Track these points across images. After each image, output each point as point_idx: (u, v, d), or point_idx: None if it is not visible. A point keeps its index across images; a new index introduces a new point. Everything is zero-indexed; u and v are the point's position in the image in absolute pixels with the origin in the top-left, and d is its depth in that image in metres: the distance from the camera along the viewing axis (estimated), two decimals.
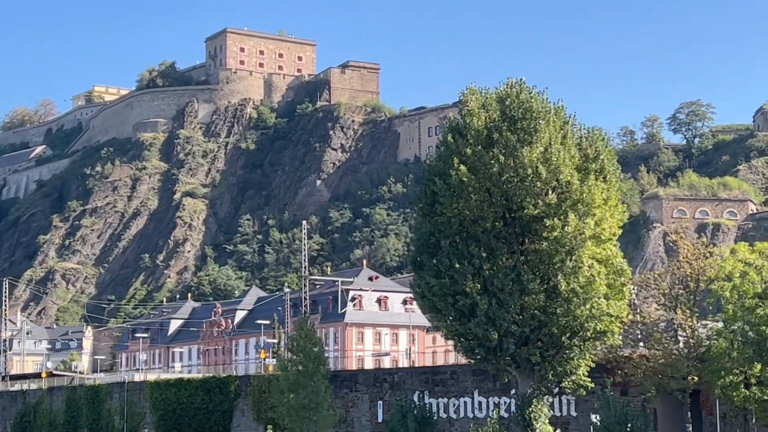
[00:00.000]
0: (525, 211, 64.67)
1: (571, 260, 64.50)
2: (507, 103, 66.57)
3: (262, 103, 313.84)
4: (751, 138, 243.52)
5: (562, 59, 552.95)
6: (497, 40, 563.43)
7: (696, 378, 63.01)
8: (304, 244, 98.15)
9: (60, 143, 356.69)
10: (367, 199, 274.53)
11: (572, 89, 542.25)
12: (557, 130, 66.20)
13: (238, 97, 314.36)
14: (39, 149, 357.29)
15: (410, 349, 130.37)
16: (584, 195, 64.57)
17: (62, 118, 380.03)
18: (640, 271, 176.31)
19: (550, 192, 64.48)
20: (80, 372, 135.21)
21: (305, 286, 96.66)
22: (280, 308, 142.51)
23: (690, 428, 64.82)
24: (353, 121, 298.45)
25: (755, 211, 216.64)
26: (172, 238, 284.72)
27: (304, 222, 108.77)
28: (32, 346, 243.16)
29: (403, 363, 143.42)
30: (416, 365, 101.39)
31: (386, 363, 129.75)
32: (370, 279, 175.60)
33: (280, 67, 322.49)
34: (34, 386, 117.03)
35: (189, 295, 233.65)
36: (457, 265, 65.09)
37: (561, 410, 73.21)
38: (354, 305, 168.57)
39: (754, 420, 61.37)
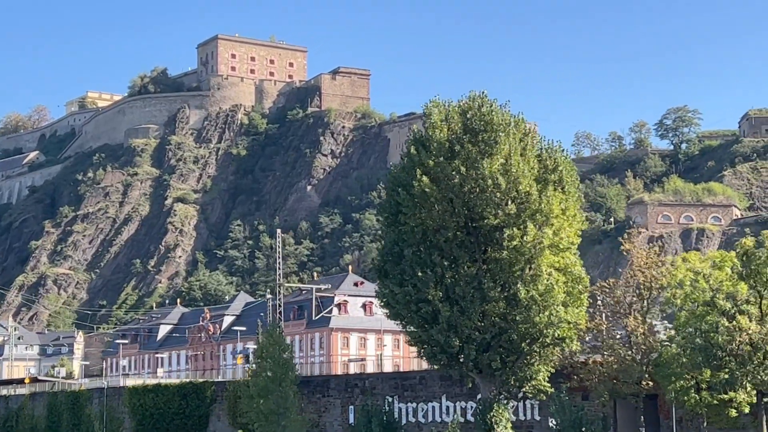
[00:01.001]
0: (485, 221, 66.51)
1: (530, 269, 66.41)
2: (469, 115, 68.45)
3: (253, 109, 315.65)
4: (736, 144, 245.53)
5: (552, 64, 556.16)
6: (488, 45, 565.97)
7: (651, 383, 64.76)
8: (279, 254, 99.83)
9: (53, 149, 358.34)
10: (357, 205, 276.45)
11: (563, 94, 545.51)
12: (517, 142, 68.09)
13: (230, 103, 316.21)
14: (32, 155, 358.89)
15: (381, 354, 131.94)
16: (543, 205, 66.39)
17: (56, 124, 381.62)
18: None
19: (509, 202, 66.33)
20: (62, 377, 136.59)
21: (279, 293, 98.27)
22: (262, 314, 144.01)
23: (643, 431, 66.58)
24: (343, 126, 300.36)
25: (739, 217, 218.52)
26: (163, 243, 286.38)
27: (279, 231, 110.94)
28: (24, 351, 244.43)
29: (389, 368, 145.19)
30: (386, 371, 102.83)
31: (369, 368, 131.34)
32: (356, 284, 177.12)
33: (272, 74, 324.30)
34: (21, 391, 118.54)
35: (178, 300, 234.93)
36: (419, 274, 66.96)
37: (525, 414, 74.92)
38: (339, 310, 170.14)
39: (705, 424, 63.09)
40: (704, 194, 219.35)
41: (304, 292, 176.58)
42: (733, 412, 61.18)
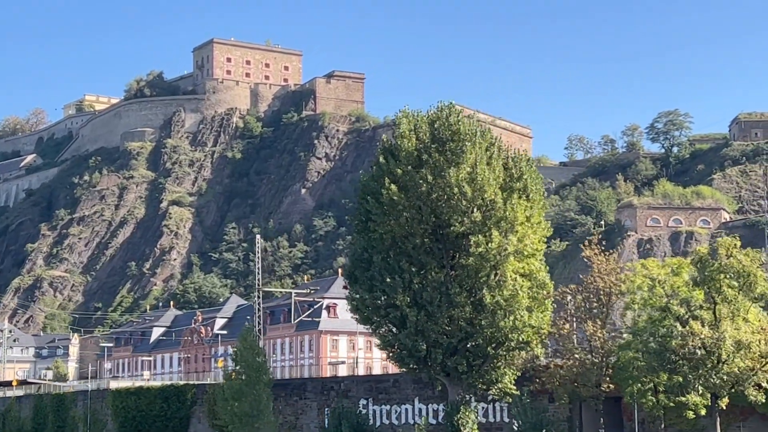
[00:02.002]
0: (452, 228, 68.42)
1: (495, 275, 68.30)
2: (436, 125, 70.35)
3: (249, 113, 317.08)
4: (726, 147, 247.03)
5: (546, 67, 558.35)
6: (483, 49, 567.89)
7: (612, 386, 66.53)
8: (258, 258, 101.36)
9: (50, 152, 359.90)
10: (351, 208, 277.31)
11: (556, 97, 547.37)
12: (483, 151, 69.93)
13: (225, 107, 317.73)
14: (29, 158, 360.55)
15: (357, 357, 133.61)
16: (507, 213, 68.27)
17: (53, 127, 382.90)
18: None
19: (475, 210, 68.21)
20: (49, 380, 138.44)
21: (258, 297, 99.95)
22: (249, 317, 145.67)
23: None
24: (338, 130, 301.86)
25: (728, 220, 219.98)
26: (158, 246, 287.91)
27: (258, 236, 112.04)
28: (19, 353, 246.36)
29: (378, 370, 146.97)
30: (360, 374, 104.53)
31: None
32: (345, 287, 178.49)
33: (267, 77, 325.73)
34: (11, 393, 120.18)
35: (171, 303, 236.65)
36: (388, 279, 68.86)
37: (494, 416, 76.68)
38: (329, 313, 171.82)
39: (663, 426, 64.83)
40: (693, 198, 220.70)
41: (294, 295, 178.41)
42: (691, 414, 62.99)
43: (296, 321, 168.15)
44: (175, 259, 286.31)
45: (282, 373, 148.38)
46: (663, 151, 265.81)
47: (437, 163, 68.84)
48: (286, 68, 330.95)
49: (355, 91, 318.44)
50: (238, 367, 74.56)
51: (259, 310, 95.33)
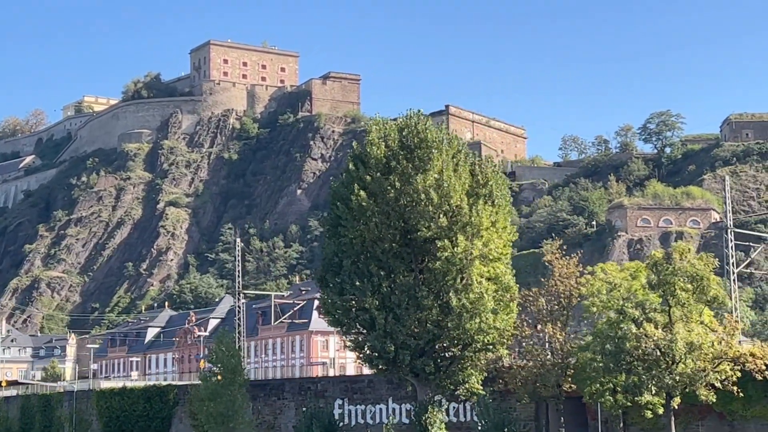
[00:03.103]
0: (420, 233, 70.42)
1: (461, 278, 70.29)
2: (404, 133, 72.22)
3: (245, 114, 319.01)
4: (717, 148, 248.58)
5: (542, 67, 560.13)
6: (478, 50, 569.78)
7: (574, 386, 68.48)
8: (238, 262, 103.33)
9: (49, 153, 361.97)
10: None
11: (551, 97, 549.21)
12: (450, 158, 71.87)
13: (222, 108, 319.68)
14: (28, 159, 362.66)
15: (334, 359, 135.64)
16: (473, 218, 70.23)
17: (52, 128, 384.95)
18: None
19: (441, 215, 70.21)
20: (38, 380, 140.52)
21: (239, 300, 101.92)
22: (235, 318, 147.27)
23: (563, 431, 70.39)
24: (333, 131, 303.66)
25: (717, 220, 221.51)
26: (155, 246, 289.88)
27: (238, 240, 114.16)
28: (17, 353, 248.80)
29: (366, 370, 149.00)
30: (336, 374, 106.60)
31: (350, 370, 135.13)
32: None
33: (264, 78, 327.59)
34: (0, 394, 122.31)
35: (166, 303, 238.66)
36: (357, 283, 70.89)
37: (465, 416, 78.69)
38: (319, 313, 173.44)
39: (621, 425, 66.82)
40: (683, 198, 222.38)
41: (285, 295, 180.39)
42: (649, 414, 64.96)
43: (287, 321, 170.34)
44: (171, 260, 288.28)
45: (274, 373, 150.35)
46: (655, 151, 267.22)
47: (405, 170, 70.79)
48: (283, 69, 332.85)
49: (351, 93, 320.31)
50: (214, 368, 76.49)
51: (239, 311, 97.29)
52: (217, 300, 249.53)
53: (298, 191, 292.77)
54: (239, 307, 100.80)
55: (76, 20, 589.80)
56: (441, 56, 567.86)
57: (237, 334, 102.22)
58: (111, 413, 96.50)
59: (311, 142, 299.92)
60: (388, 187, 70.34)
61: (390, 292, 70.40)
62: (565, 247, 76.33)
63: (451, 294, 69.82)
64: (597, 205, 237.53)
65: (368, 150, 72.52)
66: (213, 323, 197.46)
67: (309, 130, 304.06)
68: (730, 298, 76.46)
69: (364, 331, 72.13)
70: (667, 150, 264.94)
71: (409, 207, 70.25)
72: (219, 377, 77.22)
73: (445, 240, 69.55)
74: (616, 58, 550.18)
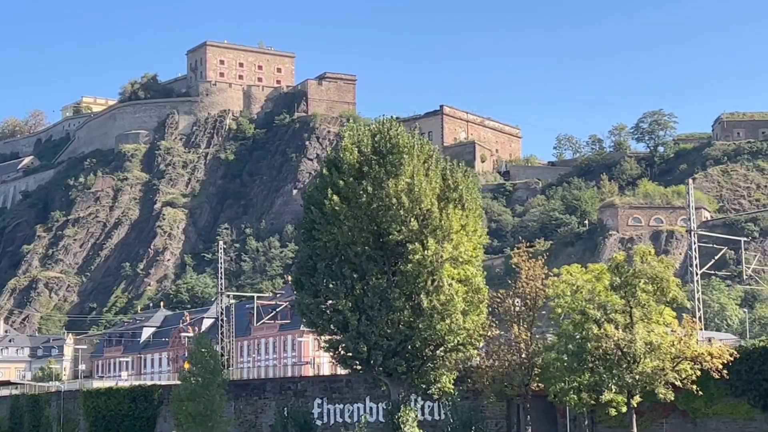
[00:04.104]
0: (391, 236, 72.21)
1: (432, 280, 72.08)
2: (377, 139, 73.97)
3: (242, 114, 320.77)
4: (708, 147, 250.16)
5: (538, 65, 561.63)
6: (473, 50, 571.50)
7: (542, 385, 70.29)
8: (221, 264, 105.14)
9: (48, 154, 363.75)
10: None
11: (547, 96, 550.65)
12: (421, 163, 73.62)
13: (218, 109, 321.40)
14: (27, 160, 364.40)
15: (314, 359, 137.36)
16: (443, 222, 71.96)
17: (51, 129, 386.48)
18: None
19: (412, 219, 71.98)
20: (28, 380, 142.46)
21: (221, 301, 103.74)
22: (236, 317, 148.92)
23: (530, 430, 72.18)
24: (329, 131, 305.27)
25: (708, 219, 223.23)
26: (152, 246, 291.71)
27: (221, 242, 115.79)
28: (15, 353, 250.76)
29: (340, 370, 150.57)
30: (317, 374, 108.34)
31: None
32: None
33: (260, 79, 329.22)
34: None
35: (162, 303, 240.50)
36: (331, 285, 72.75)
37: (439, 414, 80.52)
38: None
39: (586, 422, 68.66)
40: (674, 197, 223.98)
41: (278, 295, 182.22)
42: (613, 411, 66.82)
43: (280, 322, 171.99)
44: (168, 260, 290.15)
45: (266, 373, 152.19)
46: (648, 150, 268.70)
47: (377, 175, 72.51)
48: (279, 70, 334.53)
49: (347, 93, 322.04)
50: (193, 369, 78.32)
51: (222, 313, 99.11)
52: (212, 300, 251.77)
53: (294, 191, 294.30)
54: (222, 308, 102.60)
55: (76, 20, 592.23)
56: (436, 56, 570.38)
57: (219, 335, 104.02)
58: (97, 413, 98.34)
59: (307, 143, 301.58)
60: (361, 192, 72.06)
61: (363, 294, 72.17)
62: (535, 251, 78.02)
63: (422, 296, 71.54)
64: (589, 204, 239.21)
65: (342, 155, 74.27)
66: (207, 323, 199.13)
67: (305, 131, 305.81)
68: (694, 300, 78.16)
69: (338, 332, 73.88)
70: (660, 149, 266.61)
71: (382, 211, 71.95)
72: (194, 379, 78.89)
73: (416, 243, 71.29)
74: (611, 56, 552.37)
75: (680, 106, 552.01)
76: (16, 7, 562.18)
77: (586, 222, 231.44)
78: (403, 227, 71.79)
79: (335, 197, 72.17)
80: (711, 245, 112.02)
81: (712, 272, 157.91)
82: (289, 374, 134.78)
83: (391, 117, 75.64)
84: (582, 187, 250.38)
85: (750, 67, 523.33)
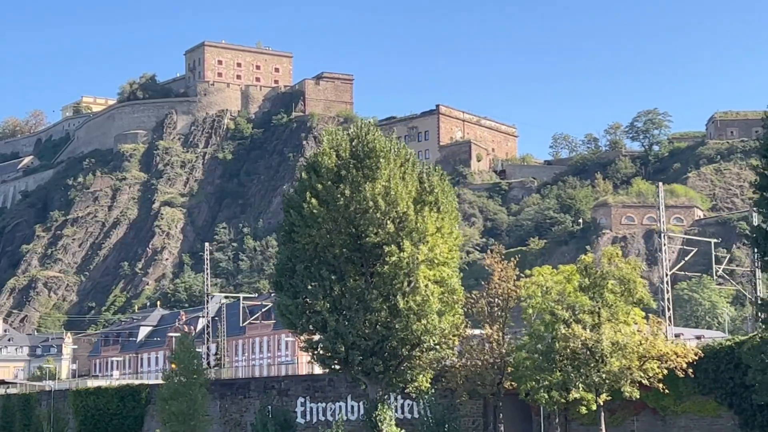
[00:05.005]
0: (368, 239, 73.85)
1: (408, 282, 73.75)
2: (355, 143, 75.61)
3: (239, 114, 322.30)
4: (701, 146, 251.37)
5: (535, 64, 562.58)
6: (470, 49, 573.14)
7: (515, 384, 71.89)
8: (207, 265, 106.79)
9: (48, 153, 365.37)
10: None
11: (544, 95, 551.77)
12: (397, 167, 75.26)
13: (216, 109, 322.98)
14: (27, 160, 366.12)
15: (297, 359, 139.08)
16: (419, 224, 73.60)
17: (51, 129, 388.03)
18: None
19: (389, 222, 73.61)
20: (21, 380, 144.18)
21: (207, 302, 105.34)
22: (217, 319, 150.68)
23: (502, 428, 73.80)
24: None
25: (701, 218, 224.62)
26: (150, 246, 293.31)
27: (207, 244, 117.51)
28: (14, 352, 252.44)
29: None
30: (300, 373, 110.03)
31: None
32: None
33: (258, 79, 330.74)
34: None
35: (158, 302, 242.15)
36: (310, 287, 74.44)
37: (418, 413, 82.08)
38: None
39: (557, 420, 70.28)
40: (667, 196, 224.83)
41: (272, 294, 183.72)
42: (583, 410, 68.41)
43: (275, 320, 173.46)
44: (166, 259, 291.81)
45: (260, 372, 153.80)
46: (643, 149, 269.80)
47: (355, 179, 74.14)
48: (277, 70, 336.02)
49: (344, 92, 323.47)
50: (176, 369, 79.97)
51: (207, 314, 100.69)
52: (209, 298, 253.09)
53: (291, 191, 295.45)
54: (208, 309, 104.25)
55: (75, 20, 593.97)
56: (432, 56, 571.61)
57: (206, 336, 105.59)
58: (86, 412, 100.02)
59: (304, 142, 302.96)
60: (339, 195, 73.68)
61: (341, 295, 73.78)
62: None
63: (398, 297, 73.09)
64: (584, 203, 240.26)
65: (320, 159, 75.89)
66: (203, 322, 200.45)
67: (302, 130, 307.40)
68: (664, 300, 79.71)
69: (317, 332, 75.51)
70: (655, 148, 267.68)
71: (359, 214, 73.57)
72: (177, 378, 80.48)
73: (393, 245, 72.88)
74: (607, 55, 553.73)
75: (675, 105, 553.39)
76: (16, 7, 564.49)
77: (580, 221, 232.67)
78: (379, 230, 73.38)
79: (314, 200, 73.80)
80: (699, 247, 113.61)
81: (698, 274, 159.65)
82: (283, 373, 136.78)
83: (369, 122, 77.14)
84: (577, 186, 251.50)
85: (743, 67, 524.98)
